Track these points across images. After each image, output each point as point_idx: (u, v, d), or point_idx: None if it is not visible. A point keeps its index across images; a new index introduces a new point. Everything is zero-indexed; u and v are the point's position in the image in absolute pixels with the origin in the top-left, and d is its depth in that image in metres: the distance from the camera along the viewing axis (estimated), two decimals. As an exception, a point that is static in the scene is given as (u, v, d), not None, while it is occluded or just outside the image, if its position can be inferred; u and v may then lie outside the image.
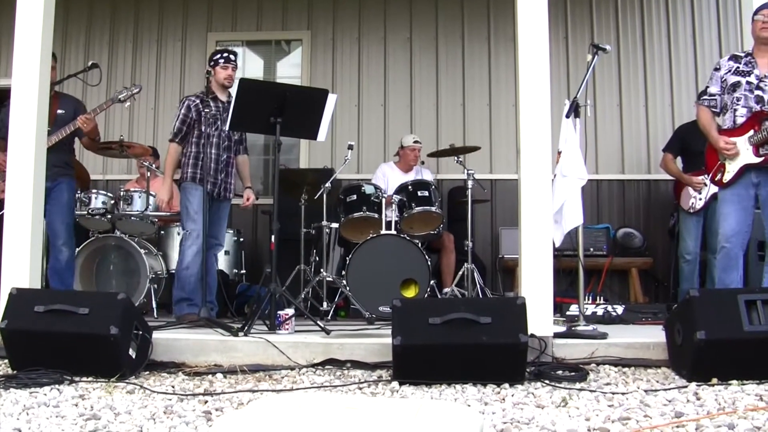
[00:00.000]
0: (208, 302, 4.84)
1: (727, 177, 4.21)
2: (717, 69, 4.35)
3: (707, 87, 4.41)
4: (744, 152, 4.14)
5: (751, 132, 4.13)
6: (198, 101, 4.93)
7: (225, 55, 5.00)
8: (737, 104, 4.22)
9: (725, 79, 4.29)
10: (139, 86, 5.02)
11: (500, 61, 7.20)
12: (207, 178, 4.81)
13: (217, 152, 4.93)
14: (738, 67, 4.27)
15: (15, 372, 3.28)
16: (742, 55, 4.32)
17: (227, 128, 4.75)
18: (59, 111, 4.87)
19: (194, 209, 4.83)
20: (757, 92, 4.16)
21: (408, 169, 6.26)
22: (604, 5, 7.25)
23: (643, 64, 7.15)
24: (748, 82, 4.20)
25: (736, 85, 4.23)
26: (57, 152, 4.76)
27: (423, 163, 6.34)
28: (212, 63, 5.01)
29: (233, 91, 4.48)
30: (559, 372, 3.28)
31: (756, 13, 4.29)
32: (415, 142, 6.25)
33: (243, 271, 6.28)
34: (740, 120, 4.20)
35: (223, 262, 6.07)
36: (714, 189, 5.36)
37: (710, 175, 4.36)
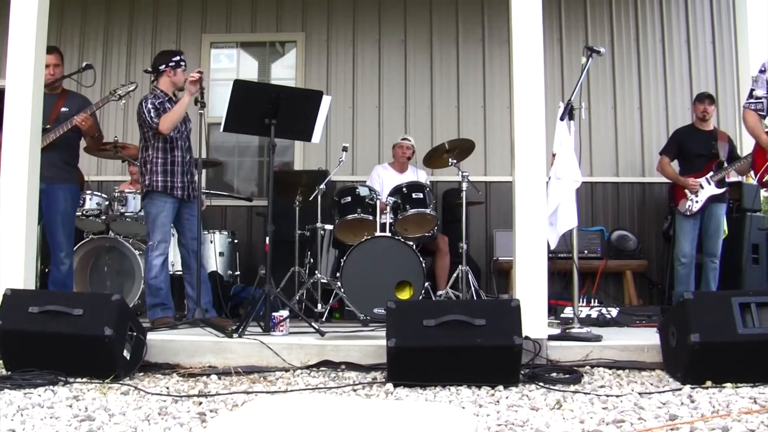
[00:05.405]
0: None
1: None
2: (763, 71, 4.25)
3: (752, 90, 4.31)
4: None
5: None
6: (158, 102, 4.76)
7: (182, 58, 4.92)
8: None
9: None
10: (135, 83, 4.98)
11: (494, 63, 7.21)
12: (176, 185, 4.77)
13: (182, 154, 4.85)
14: None
15: (9, 373, 3.27)
16: None
17: (221, 129, 4.74)
18: (63, 109, 4.75)
19: (161, 221, 4.73)
20: None
21: (403, 169, 6.26)
22: (598, 8, 7.27)
23: (638, 67, 7.17)
24: None
25: None
26: (55, 151, 4.60)
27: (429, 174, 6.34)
28: (172, 65, 4.84)
29: (227, 91, 4.42)
30: (554, 374, 3.30)
31: None
32: (403, 139, 6.30)
33: (237, 273, 6.28)
34: None
35: (217, 263, 6.07)
36: (712, 191, 5.38)
37: (758, 175, 4.31)
